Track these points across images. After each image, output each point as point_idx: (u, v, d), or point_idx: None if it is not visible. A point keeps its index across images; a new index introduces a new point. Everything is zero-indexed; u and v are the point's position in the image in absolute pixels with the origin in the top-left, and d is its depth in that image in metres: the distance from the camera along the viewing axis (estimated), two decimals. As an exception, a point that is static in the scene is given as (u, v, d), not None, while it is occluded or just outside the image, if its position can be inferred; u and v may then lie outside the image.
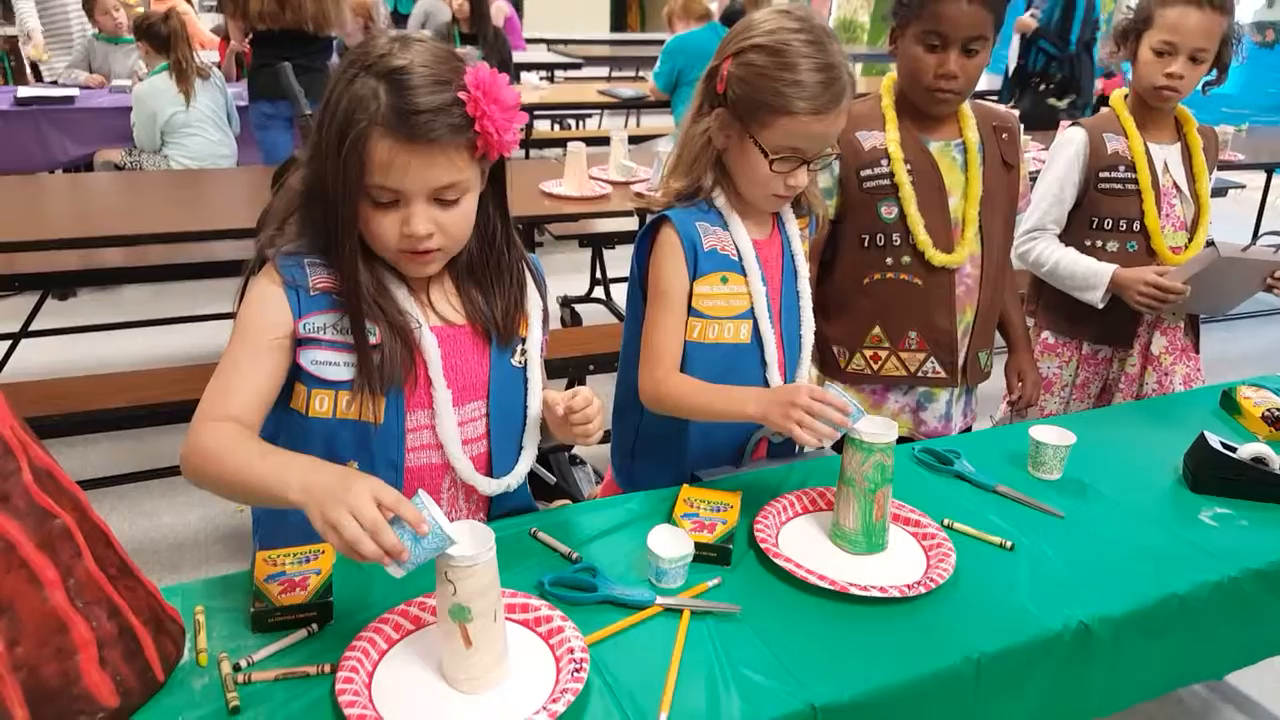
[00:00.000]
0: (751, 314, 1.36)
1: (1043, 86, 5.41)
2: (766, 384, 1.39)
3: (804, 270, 1.44)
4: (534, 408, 1.21)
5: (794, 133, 1.25)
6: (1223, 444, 1.41)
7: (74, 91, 4.20)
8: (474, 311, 1.15)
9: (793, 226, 1.44)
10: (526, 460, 1.23)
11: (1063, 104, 5.30)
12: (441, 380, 1.12)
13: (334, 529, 0.86)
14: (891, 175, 1.62)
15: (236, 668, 0.94)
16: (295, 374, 1.08)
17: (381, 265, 1.09)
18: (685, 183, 1.35)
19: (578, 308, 3.96)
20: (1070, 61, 5.39)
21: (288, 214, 1.09)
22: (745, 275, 1.35)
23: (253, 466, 0.96)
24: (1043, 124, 4.36)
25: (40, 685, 0.81)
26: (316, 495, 0.89)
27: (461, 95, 1.00)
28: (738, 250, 1.35)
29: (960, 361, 1.72)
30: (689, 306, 1.33)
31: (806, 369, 1.47)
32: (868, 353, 1.70)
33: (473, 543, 0.91)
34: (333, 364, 1.07)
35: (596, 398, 1.15)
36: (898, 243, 1.64)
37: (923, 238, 1.62)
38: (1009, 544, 1.23)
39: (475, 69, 1.01)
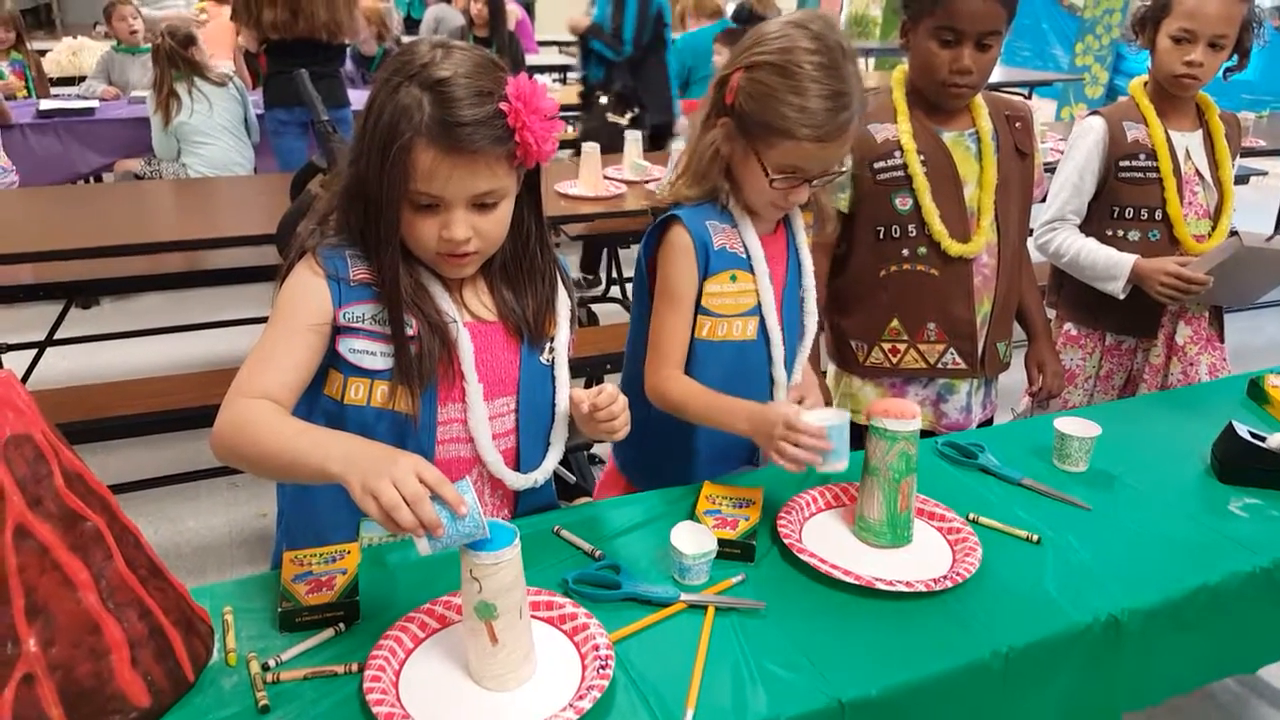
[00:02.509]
0: (758, 311, 1.37)
1: (603, 99, 4.04)
2: (771, 379, 1.40)
3: (808, 265, 1.44)
4: (562, 404, 1.22)
5: (796, 155, 1.25)
6: (1251, 433, 1.39)
7: (94, 103, 4.26)
8: (505, 310, 1.17)
9: (798, 221, 1.44)
10: (554, 456, 1.24)
11: (624, 120, 3.95)
12: (474, 374, 1.13)
13: (373, 496, 0.87)
14: (905, 166, 1.61)
15: (265, 667, 0.94)
16: (333, 361, 1.10)
17: (419, 264, 1.11)
18: (698, 191, 1.34)
19: (594, 307, 3.97)
20: (630, 67, 4.08)
21: (328, 212, 1.11)
22: (753, 273, 1.35)
23: (291, 439, 0.97)
24: (614, 145, 3.32)
25: (75, 685, 0.82)
26: (359, 465, 0.90)
27: (503, 106, 1.02)
28: (746, 249, 1.35)
29: (979, 352, 1.71)
30: (698, 304, 1.34)
31: (804, 361, 1.46)
32: (886, 346, 1.70)
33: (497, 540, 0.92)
34: (370, 353, 1.08)
35: (622, 395, 1.16)
36: (913, 234, 1.63)
37: (938, 227, 1.61)
38: (1035, 537, 1.22)
39: (516, 79, 1.03)
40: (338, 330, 1.08)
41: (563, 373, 1.23)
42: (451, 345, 1.11)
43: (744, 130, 1.27)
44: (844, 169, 1.31)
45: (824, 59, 1.21)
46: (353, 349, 1.08)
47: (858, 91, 1.24)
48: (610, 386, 1.16)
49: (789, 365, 1.43)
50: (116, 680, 0.84)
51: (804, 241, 1.44)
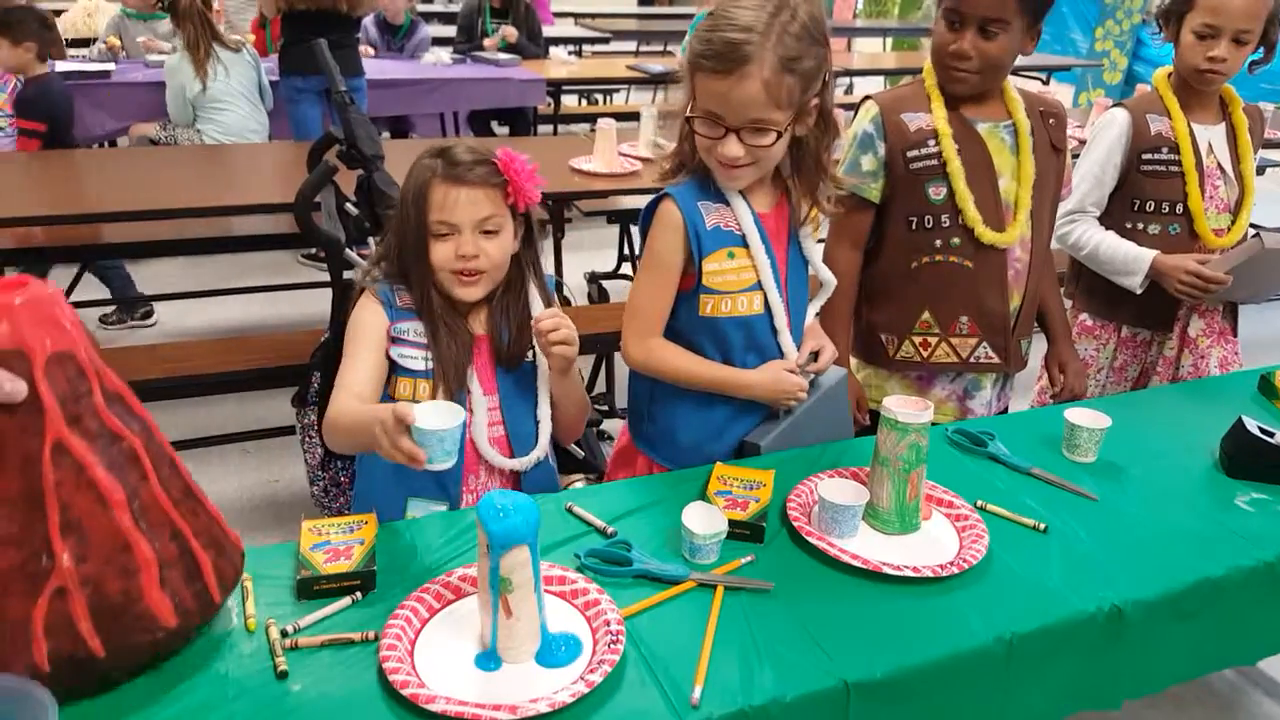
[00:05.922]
0: (760, 285, 1.38)
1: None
2: (780, 351, 1.41)
3: (809, 239, 1.44)
4: (542, 369, 1.38)
5: (705, 94, 1.27)
6: (1260, 429, 1.40)
7: (109, 66, 4.24)
8: (493, 328, 1.39)
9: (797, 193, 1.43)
10: (545, 430, 1.39)
11: None
12: (474, 377, 1.36)
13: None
14: (939, 154, 1.60)
15: (284, 633, 0.97)
16: (389, 366, 1.36)
17: (444, 297, 1.36)
18: (674, 158, 1.39)
19: (605, 283, 3.97)
20: None
21: (379, 260, 1.40)
22: (749, 248, 1.36)
23: (359, 415, 1.22)
24: None
25: (104, 601, 0.83)
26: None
27: (494, 161, 1.34)
28: (740, 226, 1.36)
29: (1009, 346, 1.69)
30: (700, 284, 1.35)
31: (812, 319, 1.50)
32: (917, 339, 1.68)
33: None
34: (413, 358, 1.34)
35: (563, 314, 1.31)
36: (947, 224, 1.62)
37: (972, 214, 1.59)
38: (1042, 526, 1.23)
39: (503, 149, 1.34)
40: (391, 340, 1.34)
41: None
42: (472, 353, 1.36)
43: (688, 83, 1.31)
44: (774, 123, 1.25)
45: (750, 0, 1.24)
46: (401, 354, 1.34)
47: (772, 36, 1.20)
48: (552, 311, 1.32)
49: (795, 333, 1.44)
50: (145, 599, 0.85)
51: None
